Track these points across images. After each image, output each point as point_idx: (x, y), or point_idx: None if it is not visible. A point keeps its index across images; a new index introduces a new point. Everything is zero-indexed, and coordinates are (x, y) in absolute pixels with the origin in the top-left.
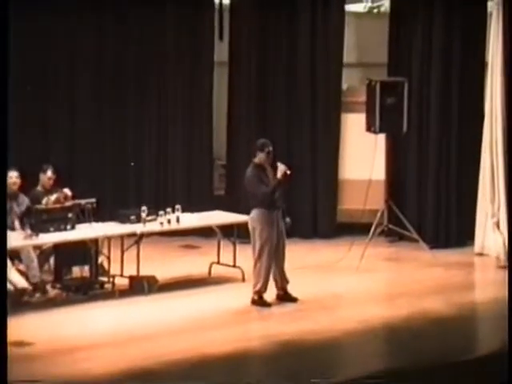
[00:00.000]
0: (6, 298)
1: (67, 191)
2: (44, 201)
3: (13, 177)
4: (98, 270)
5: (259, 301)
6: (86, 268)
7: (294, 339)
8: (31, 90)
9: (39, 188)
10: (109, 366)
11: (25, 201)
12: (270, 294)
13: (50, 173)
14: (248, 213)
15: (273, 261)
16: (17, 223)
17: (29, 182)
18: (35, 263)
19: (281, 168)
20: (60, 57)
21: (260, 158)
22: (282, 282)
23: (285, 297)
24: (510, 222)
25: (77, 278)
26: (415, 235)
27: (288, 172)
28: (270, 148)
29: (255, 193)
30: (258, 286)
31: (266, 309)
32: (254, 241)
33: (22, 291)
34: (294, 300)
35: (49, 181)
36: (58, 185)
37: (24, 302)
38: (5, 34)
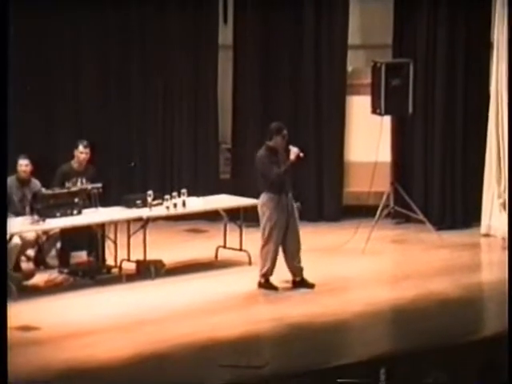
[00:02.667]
0: (6, 291)
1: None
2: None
3: (22, 164)
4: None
5: (266, 284)
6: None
7: (301, 322)
8: (37, 80)
9: (73, 164)
10: (116, 350)
11: (37, 186)
12: (277, 278)
13: (81, 147)
14: (254, 196)
15: (280, 245)
16: (28, 209)
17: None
18: None
19: (294, 150)
20: (64, 45)
21: (276, 141)
22: (296, 268)
23: (301, 283)
24: (510, 205)
25: (83, 262)
26: (421, 217)
27: (301, 154)
28: (285, 132)
29: (267, 174)
30: (265, 270)
31: (272, 292)
32: (263, 225)
33: (29, 274)
34: (310, 286)
35: (81, 155)
36: (91, 162)
37: (31, 287)
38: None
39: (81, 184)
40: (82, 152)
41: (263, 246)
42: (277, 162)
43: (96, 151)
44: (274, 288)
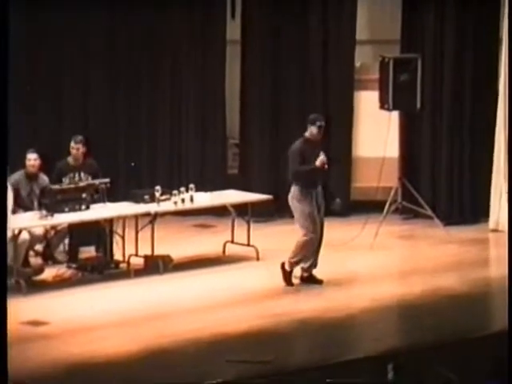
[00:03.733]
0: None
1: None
2: (66, 179)
3: (31, 159)
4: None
5: (288, 274)
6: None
7: (309, 317)
8: (45, 76)
9: (68, 159)
10: (123, 345)
11: (45, 181)
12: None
13: (72, 143)
14: (261, 191)
15: (317, 239)
16: (36, 204)
17: (46, 164)
18: None
19: (321, 158)
20: (71, 40)
21: (311, 131)
22: (312, 264)
23: (309, 279)
24: (510, 201)
25: (92, 257)
26: (429, 212)
27: (326, 166)
28: (323, 122)
29: (290, 168)
30: (309, 263)
31: (279, 287)
32: (298, 218)
33: (38, 270)
34: (319, 282)
35: (77, 152)
36: (89, 156)
37: (39, 282)
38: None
39: (79, 179)
40: (72, 147)
41: (305, 235)
42: (311, 155)
43: (104, 146)
44: (290, 284)
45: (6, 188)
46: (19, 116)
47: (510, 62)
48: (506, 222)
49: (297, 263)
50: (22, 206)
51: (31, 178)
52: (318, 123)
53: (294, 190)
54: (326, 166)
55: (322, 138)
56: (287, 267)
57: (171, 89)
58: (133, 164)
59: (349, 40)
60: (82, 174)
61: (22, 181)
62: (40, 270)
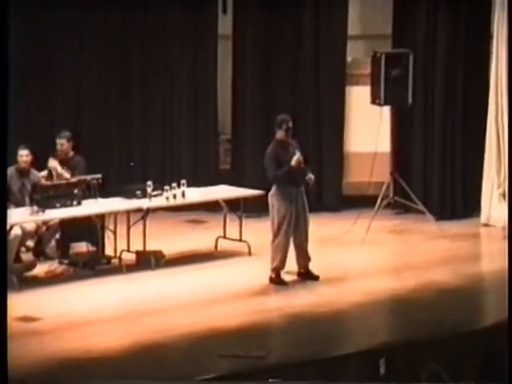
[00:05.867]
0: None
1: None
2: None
3: (23, 155)
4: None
5: (276, 279)
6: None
7: (301, 312)
8: (37, 73)
9: (52, 157)
10: (116, 340)
11: (36, 177)
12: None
13: (57, 139)
14: (253, 187)
15: (291, 237)
16: (27, 199)
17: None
18: None
19: (296, 157)
20: (64, 38)
21: (279, 134)
22: (304, 259)
23: (306, 275)
24: (510, 195)
25: (83, 253)
26: (421, 207)
27: (303, 165)
28: (290, 124)
29: (268, 173)
30: (276, 263)
31: (275, 284)
32: (273, 217)
33: (30, 265)
34: (315, 278)
35: (60, 147)
36: (76, 154)
37: (31, 278)
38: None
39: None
40: (57, 143)
41: (273, 240)
42: (285, 156)
43: (96, 141)
44: (284, 283)
45: (5, 185)
46: (11, 112)
47: (510, 59)
48: (498, 217)
49: (279, 268)
50: (13, 201)
51: (22, 173)
52: (285, 126)
53: (273, 189)
54: (303, 165)
55: (296, 136)
56: (273, 275)
57: (163, 84)
58: (132, 164)
59: (340, 35)
60: (65, 169)
61: (13, 176)
62: (32, 266)
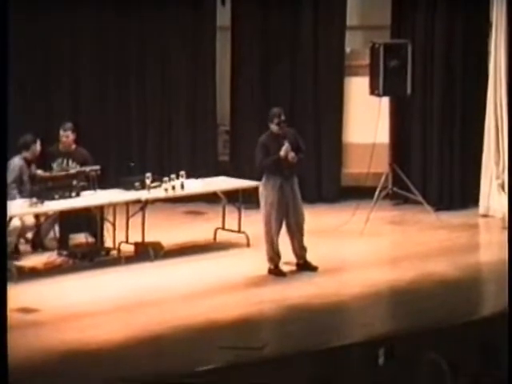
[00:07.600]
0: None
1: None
2: (55, 164)
3: (63, 135)
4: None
5: (275, 270)
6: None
7: (300, 303)
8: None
9: (60, 145)
10: (115, 331)
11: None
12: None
13: (61, 131)
14: (252, 178)
15: (281, 227)
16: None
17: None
18: None
19: (284, 148)
20: (62, 32)
21: (272, 128)
22: (300, 250)
23: (304, 266)
24: (510, 186)
25: (82, 244)
26: (420, 198)
27: (291, 155)
28: (282, 118)
29: (256, 161)
30: (269, 254)
31: (271, 274)
32: (262, 207)
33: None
34: (313, 269)
35: (66, 139)
36: (78, 145)
37: (30, 269)
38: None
39: (67, 165)
40: (62, 135)
41: (265, 229)
42: (275, 146)
43: (94, 133)
44: (282, 274)
45: (5, 179)
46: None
47: (509, 46)
48: (496, 208)
49: (274, 258)
50: (23, 191)
51: (30, 163)
52: (276, 120)
53: (263, 179)
54: (292, 155)
55: (289, 129)
56: (271, 266)
57: (162, 75)
58: (132, 164)
59: (339, 26)
60: (71, 162)
61: (23, 166)
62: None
